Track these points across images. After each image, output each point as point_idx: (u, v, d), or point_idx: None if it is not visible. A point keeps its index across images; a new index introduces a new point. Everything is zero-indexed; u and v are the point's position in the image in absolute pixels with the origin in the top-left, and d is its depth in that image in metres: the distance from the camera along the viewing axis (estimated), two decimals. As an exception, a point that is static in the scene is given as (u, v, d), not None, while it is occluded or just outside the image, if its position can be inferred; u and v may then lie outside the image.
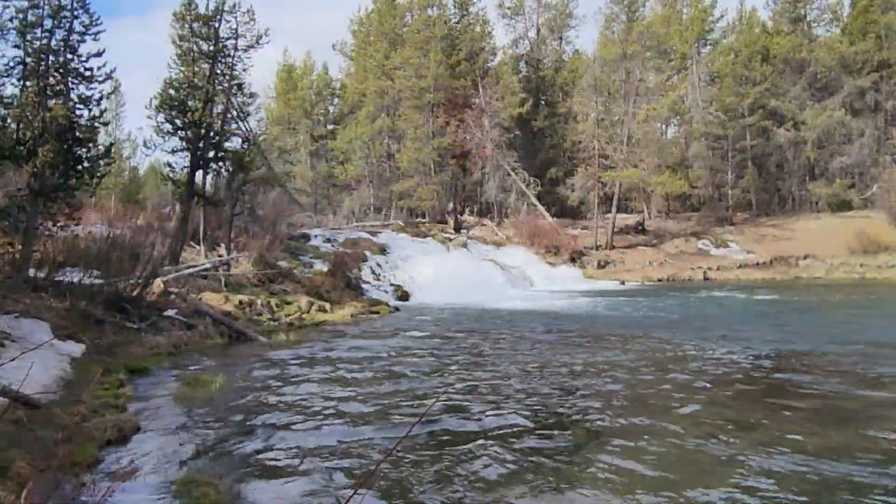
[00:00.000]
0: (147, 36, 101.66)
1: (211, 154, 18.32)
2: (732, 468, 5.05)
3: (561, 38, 50.79)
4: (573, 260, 32.35)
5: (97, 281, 11.76)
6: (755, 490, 4.62)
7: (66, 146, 12.06)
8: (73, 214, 12.93)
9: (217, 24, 18.02)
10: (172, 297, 13.11)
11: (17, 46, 12.07)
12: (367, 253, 24.62)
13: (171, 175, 18.62)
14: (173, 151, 18.05)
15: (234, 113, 19.80)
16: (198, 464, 5.32)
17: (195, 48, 17.94)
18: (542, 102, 48.60)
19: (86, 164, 12.63)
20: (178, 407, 7.13)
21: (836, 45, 40.62)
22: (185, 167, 18.29)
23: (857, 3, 42.27)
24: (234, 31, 18.30)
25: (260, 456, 5.52)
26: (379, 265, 23.79)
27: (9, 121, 12.05)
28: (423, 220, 39.28)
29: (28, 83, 12.04)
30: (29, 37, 12.04)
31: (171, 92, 17.50)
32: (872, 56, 40.03)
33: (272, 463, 5.35)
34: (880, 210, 35.29)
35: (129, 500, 4.61)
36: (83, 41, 12.49)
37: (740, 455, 5.31)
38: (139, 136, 60.60)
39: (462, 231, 35.60)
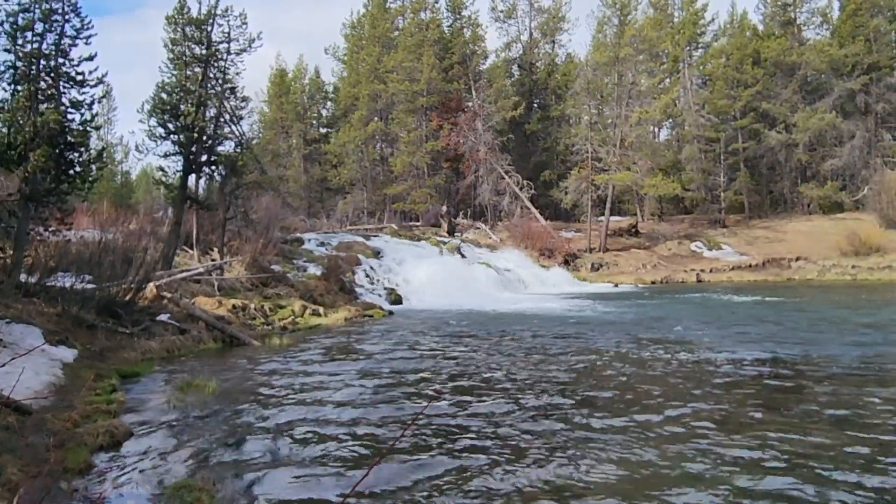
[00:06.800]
0: (136, 35, 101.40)
1: (204, 158, 18.28)
2: (726, 469, 5.06)
3: (553, 42, 51.01)
4: (567, 262, 32.42)
5: (89, 286, 11.70)
6: (748, 491, 4.63)
7: (57, 150, 11.99)
8: (65, 219, 12.85)
9: (209, 28, 18.02)
10: (165, 301, 13.06)
11: (7, 50, 12.01)
12: (361, 257, 24.58)
13: (163, 179, 18.56)
14: (166, 155, 18.05)
15: (227, 117, 19.76)
16: (191, 469, 5.30)
17: (187, 52, 17.92)
18: (536, 105, 48.77)
19: (77, 169, 12.55)
20: (171, 412, 7.09)
21: (826, 49, 40.95)
22: (177, 171, 18.26)
23: (846, 7, 42.66)
24: (226, 35, 18.31)
25: (253, 461, 5.50)
26: (373, 269, 23.75)
27: (-1, 125, 11.99)
28: (417, 224, 39.28)
29: (19, 87, 11.96)
30: (20, 41, 11.97)
31: (164, 96, 17.46)
32: (862, 59, 40.37)
33: (265, 468, 5.33)
34: (871, 212, 35.57)
35: (121, 505, 4.59)
36: (74, 45, 12.43)
37: (732, 456, 5.33)
38: (131, 139, 60.43)
39: (456, 234, 35.62)
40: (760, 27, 46.89)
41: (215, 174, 19.62)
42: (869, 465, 5.09)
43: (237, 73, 19.06)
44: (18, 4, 11.92)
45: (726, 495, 4.56)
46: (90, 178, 12.85)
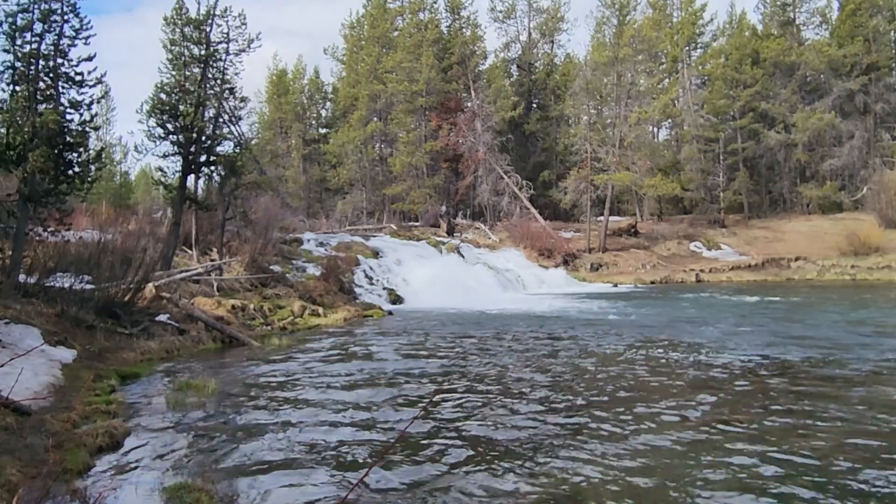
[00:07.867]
0: (135, 34, 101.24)
1: (203, 158, 18.25)
2: (724, 469, 5.06)
3: (552, 42, 51.02)
4: (566, 263, 32.41)
5: (88, 286, 11.68)
6: (745, 492, 4.64)
7: (56, 151, 11.97)
8: (64, 219, 12.83)
9: (208, 29, 17.99)
10: (164, 301, 13.04)
11: (6, 51, 11.98)
12: (360, 257, 24.57)
13: (162, 179, 18.54)
14: (165, 156, 18.01)
15: (226, 117, 19.76)
16: (190, 469, 5.29)
17: (186, 52, 17.88)
18: (535, 106, 48.79)
19: (76, 169, 12.52)
20: (171, 412, 7.08)
21: (825, 49, 40.97)
22: (176, 172, 18.22)
23: (845, 7, 42.68)
24: (225, 35, 18.28)
25: (252, 461, 5.49)
26: (372, 269, 23.74)
27: (-2, 126, 11.96)
28: (416, 224, 39.27)
29: (18, 88, 11.94)
30: (19, 41, 11.95)
31: (163, 96, 17.43)
32: (861, 59, 40.41)
33: (265, 468, 5.32)
34: (870, 212, 35.59)
35: (120, 506, 4.58)
36: (73, 45, 12.41)
37: (729, 456, 5.33)
38: (129, 139, 60.41)
39: (455, 234, 35.62)
40: (759, 27, 46.89)
41: (214, 174, 19.60)
42: None
43: (236, 74, 19.05)
44: (17, 5, 11.89)
45: (725, 495, 4.56)
46: (89, 179, 12.83)
